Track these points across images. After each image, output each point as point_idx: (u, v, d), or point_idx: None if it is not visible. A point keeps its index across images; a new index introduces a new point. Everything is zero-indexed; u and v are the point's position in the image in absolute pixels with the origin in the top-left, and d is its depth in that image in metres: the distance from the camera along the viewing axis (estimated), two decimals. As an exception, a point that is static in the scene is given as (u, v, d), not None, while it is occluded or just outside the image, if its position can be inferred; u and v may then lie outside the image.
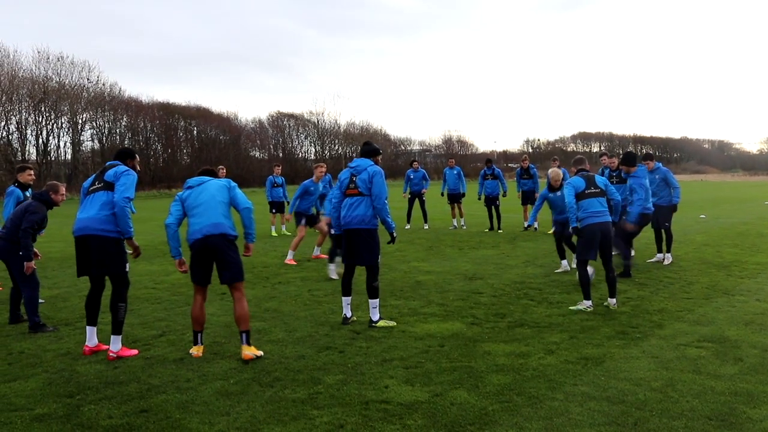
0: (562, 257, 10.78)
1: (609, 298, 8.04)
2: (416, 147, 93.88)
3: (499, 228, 17.65)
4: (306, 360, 5.99)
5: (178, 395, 5.14)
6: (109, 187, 6.32)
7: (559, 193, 10.40)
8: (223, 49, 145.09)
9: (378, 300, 7.34)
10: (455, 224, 18.95)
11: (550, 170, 10.98)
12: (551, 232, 16.28)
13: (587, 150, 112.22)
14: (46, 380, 5.64)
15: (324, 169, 12.77)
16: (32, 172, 9.87)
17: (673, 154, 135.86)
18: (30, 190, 9.61)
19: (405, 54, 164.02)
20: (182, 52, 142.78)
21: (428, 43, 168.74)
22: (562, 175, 10.73)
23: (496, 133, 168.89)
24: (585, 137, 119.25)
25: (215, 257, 6.23)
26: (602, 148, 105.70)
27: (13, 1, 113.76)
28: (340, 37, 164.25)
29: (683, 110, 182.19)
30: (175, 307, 8.46)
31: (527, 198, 18.14)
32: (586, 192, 8.02)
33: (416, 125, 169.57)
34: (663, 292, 8.83)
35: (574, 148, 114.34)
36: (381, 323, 7.24)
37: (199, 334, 6.38)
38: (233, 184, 6.53)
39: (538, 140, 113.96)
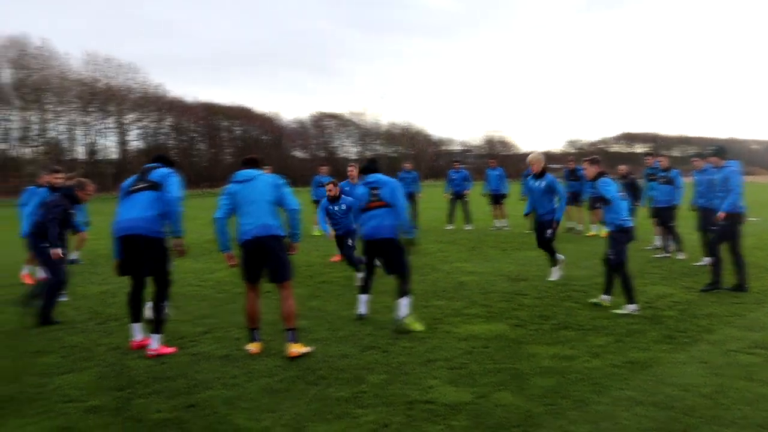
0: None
1: (603, 295, 8.22)
2: (457, 147, 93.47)
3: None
4: (350, 359, 6.03)
5: (224, 391, 5.23)
6: (155, 187, 6.39)
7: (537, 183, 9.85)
8: (265, 51, 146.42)
9: (409, 298, 7.42)
10: (497, 225, 18.86)
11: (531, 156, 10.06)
12: (595, 233, 16.11)
13: (631, 151, 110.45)
14: (98, 373, 5.79)
15: (355, 170, 12.82)
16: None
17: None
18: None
19: (446, 54, 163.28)
20: (225, 54, 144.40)
21: (470, 43, 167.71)
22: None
23: (537, 133, 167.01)
24: (629, 138, 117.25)
25: (265, 257, 6.34)
26: (647, 149, 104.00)
27: (64, 5, 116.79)
28: (382, 38, 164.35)
29: (731, 110, 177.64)
30: (221, 305, 8.59)
31: (573, 199, 17.93)
32: (620, 194, 8.16)
33: (457, 125, 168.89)
34: (711, 296, 8.65)
35: (618, 149, 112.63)
36: (408, 320, 7.20)
37: (255, 331, 6.45)
38: (282, 181, 6.58)
39: (581, 141, 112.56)
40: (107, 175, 59.35)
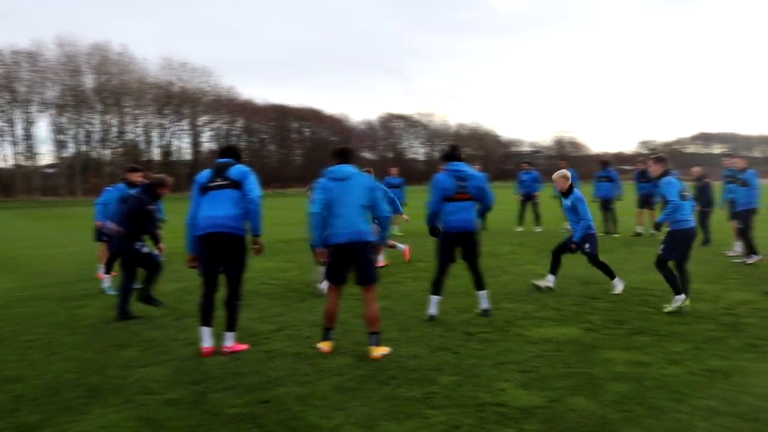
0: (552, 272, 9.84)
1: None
2: (526, 148, 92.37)
3: (615, 232, 17.06)
4: (420, 359, 6.04)
5: (296, 388, 5.31)
6: (236, 185, 6.47)
7: (566, 201, 9.55)
8: (334, 52, 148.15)
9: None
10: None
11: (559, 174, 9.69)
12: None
13: (708, 152, 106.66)
14: (175, 368, 5.97)
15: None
16: (140, 173, 10.09)
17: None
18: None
19: (515, 54, 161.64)
20: (295, 56, 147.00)
21: (539, 42, 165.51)
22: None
23: (609, 134, 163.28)
24: (705, 138, 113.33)
25: (354, 261, 6.38)
26: (724, 149, 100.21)
27: (141, 12, 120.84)
28: (450, 39, 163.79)
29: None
30: (292, 303, 8.73)
31: (645, 201, 17.45)
32: (683, 194, 8.03)
33: (527, 126, 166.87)
34: (797, 304, 8.28)
35: (694, 150, 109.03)
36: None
37: (330, 331, 6.51)
38: (376, 185, 6.60)
39: (654, 141, 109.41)
40: (181, 175, 60.99)
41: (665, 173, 8.24)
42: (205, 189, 6.54)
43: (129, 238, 8.14)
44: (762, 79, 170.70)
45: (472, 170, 7.73)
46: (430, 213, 7.72)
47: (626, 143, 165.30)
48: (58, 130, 62.49)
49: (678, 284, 8.00)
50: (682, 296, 7.92)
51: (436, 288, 7.75)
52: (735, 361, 5.85)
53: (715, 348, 6.30)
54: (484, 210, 7.86)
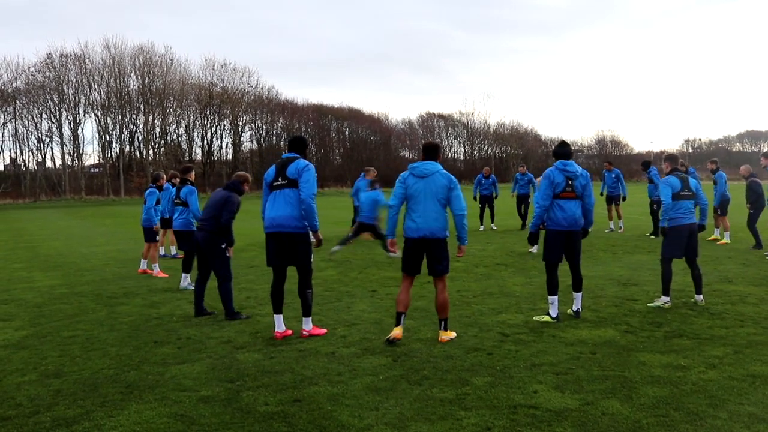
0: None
1: (696, 295, 8.37)
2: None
3: (654, 234, 16.75)
4: (454, 360, 6.01)
5: (329, 387, 5.33)
6: (293, 184, 6.82)
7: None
8: (373, 52, 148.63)
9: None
10: (612, 226, 18.49)
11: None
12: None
13: (755, 150, 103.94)
14: (210, 365, 6.04)
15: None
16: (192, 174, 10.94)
17: None
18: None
19: (555, 52, 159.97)
20: (335, 55, 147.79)
21: (579, 40, 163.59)
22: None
23: (652, 133, 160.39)
24: (753, 136, 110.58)
25: (428, 253, 6.77)
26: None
27: (184, 13, 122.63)
28: (490, 37, 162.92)
29: None
30: (327, 303, 8.76)
31: None
32: (681, 194, 8.20)
33: (568, 125, 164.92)
34: None
35: (740, 148, 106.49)
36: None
37: (402, 315, 6.80)
38: (455, 183, 6.79)
39: (699, 140, 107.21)
40: (222, 174, 61.82)
41: (672, 171, 8.39)
42: (271, 187, 7.01)
43: (220, 236, 8.11)
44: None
45: (582, 170, 7.73)
46: (540, 211, 7.70)
47: (670, 141, 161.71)
48: (104, 130, 63.82)
49: (669, 286, 8.26)
50: (667, 299, 8.22)
51: (554, 287, 7.71)
52: (777, 366, 5.69)
53: (758, 353, 6.13)
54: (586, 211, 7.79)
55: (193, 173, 10.93)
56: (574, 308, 7.80)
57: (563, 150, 7.73)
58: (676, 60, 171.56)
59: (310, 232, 6.94)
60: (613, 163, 21.47)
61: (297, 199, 6.78)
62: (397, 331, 6.69)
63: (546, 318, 7.58)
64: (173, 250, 14.64)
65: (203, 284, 8.30)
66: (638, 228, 18.15)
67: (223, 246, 8.10)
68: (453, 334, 6.81)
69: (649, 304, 8.27)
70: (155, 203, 12.13)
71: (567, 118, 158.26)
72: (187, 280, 10.23)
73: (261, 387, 5.38)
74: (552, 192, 7.53)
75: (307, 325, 7.03)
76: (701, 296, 8.33)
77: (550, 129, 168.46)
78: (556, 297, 7.64)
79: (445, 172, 6.84)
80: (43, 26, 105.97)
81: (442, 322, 6.79)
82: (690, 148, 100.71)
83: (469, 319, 7.68)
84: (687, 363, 5.83)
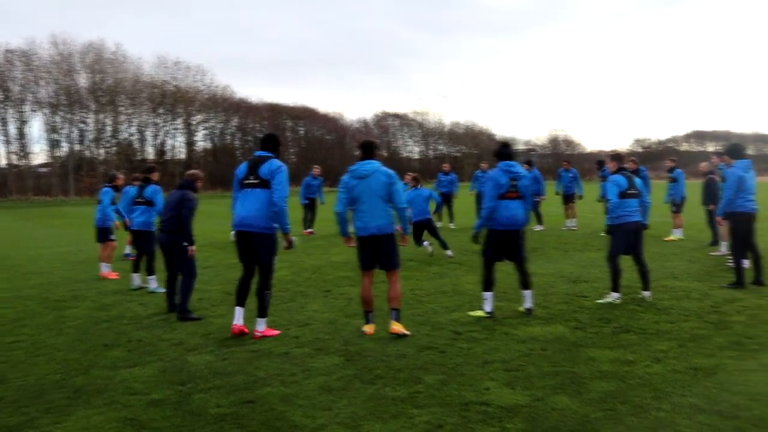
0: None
1: (643, 291, 8.59)
2: (521, 146, 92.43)
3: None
4: (407, 359, 6.05)
5: (282, 388, 5.31)
6: (265, 184, 6.83)
7: None
8: (328, 51, 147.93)
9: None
10: (568, 225, 18.81)
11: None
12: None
13: (701, 150, 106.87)
14: (161, 368, 5.96)
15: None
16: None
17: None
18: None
19: (509, 53, 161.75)
20: (290, 55, 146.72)
21: (532, 42, 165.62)
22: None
23: (604, 132, 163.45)
24: (699, 136, 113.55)
25: (378, 249, 6.97)
26: (718, 147, 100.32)
27: (137, 11, 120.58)
28: (444, 38, 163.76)
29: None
30: (280, 303, 8.72)
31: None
32: (628, 192, 8.40)
33: (521, 125, 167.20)
34: (784, 302, 8.31)
35: (688, 148, 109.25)
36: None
37: (370, 314, 7.06)
38: (395, 179, 6.98)
39: (649, 139, 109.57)
40: (175, 174, 60.86)
41: (618, 171, 8.62)
42: (241, 185, 7.04)
43: (182, 236, 8.10)
44: (756, 77, 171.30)
45: (524, 170, 7.95)
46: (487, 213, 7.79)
47: (621, 141, 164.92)
48: (52, 129, 62.24)
49: (618, 283, 8.47)
50: (618, 295, 8.45)
51: (491, 284, 7.87)
52: (719, 359, 5.87)
53: (700, 346, 6.32)
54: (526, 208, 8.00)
55: (157, 174, 10.87)
56: (526, 306, 7.90)
57: (506, 150, 7.89)
58: (626, 61, 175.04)
59: (281, 233, 7.03)
60: (571, 162, 21.78)
61: (267, 200, 6.82)
62: (369, 328, 6.98)
63: (480, 313, 7.76)
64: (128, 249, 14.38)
65: (174, 283, 8.34)
66: (590, 226, 18.48)
67: (185, 245, 8.08)
68: (405, 331, 6.87)
69: (598, 301, 8.45)
70: (110, 203, 11.94)
71: (521, 118, 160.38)
72: (155, 283, 10.09)
73: (213, 389, 5.34)
74: (497, 193, 7.65)
75: (261, 326, 7.00)
76: (649, 292, 8.55)
77: (505, 129, 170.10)
78: (491, 293, 7.81)
79: (385, 168, 6.99)
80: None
81: (394, 312, 6.93)
82: (640, 147, 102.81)
83: (422, 317, 7.73)
84: (634, 357, 5.97)
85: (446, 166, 21.42)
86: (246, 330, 7.03)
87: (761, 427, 4.37)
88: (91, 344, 6.89)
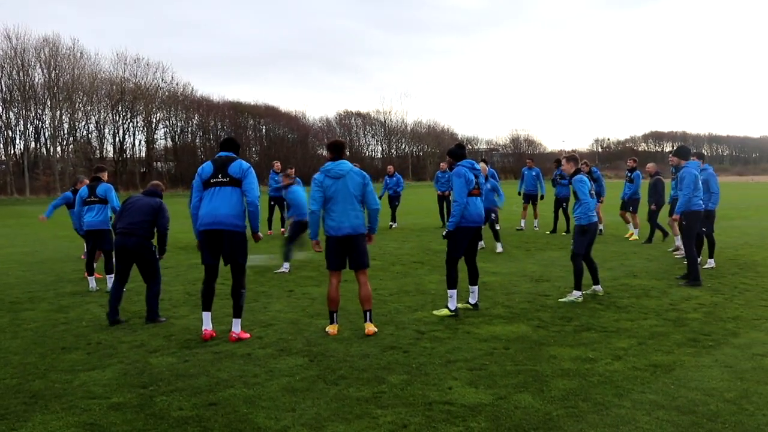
0: None
1: (594, 286, 8.95)
2: (483, 146, 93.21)
3: (568, 230, 17.24)
4: (370, 359, 6.05)
5: (245, 390, 5.27)
6: (236, 183, 6.82)
7: None
8: (290, 49, 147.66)
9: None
10: (523, 225, 18.70)
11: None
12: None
13: (659, 150, 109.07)
14: (122, 371, 5.86)
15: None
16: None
17: (751, 154, 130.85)
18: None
19: (471, 53, 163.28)
20: (251, 52, 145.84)
21: (493, 41, 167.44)
22: None
23: (564, 132, 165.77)
24: (657, 137, 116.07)
25: (349, 249, 7.01)
26: (674, 147, 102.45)
27: (95, 7, 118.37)
28: (406, 37, 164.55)
29: (763, 108, 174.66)
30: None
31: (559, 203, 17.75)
32: (591, 192, 8.65)
33: (483, 124, 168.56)
34: (738, 299, 8.52)
35: (646, 148, 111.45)
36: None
37: (335, 314, 7.10)
38: (368, 179, 7.11)
39: (608, 140, 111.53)
40: (135, 173, 60.00)
41: (576, 172, 8.78)
42: (207, 184, 6.92)
43: (146, 239, 7.97)
44: (711, 80, 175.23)
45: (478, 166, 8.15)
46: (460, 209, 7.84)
47: (581, 141, 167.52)
48: (5, 125, 60.78)
49: (581, 281, 8.62)
50: (579, 293, 8.60)
51: (455, 281, 7.93)
52: (677, 356, 6.00)
53: (660, 343, 6.44)
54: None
55: (106, 173, 10.78)
56: (472, 301, 8.14)
57: (462, 151, 8.07)
58: (585, 62, 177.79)
59: (251, 232, 7.12)
60: (534, 160, 21.74)
61: (238, 199, 6.83)
62: (333, 329, 7.00)
63: (445, 311, 7.82)
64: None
65: (121, 289, 8.04)
66: (550, 226, 18.68)
67: (154, 249, 8.02)
68: (375, 329, 6.99)
69: (561, 300, 8.57)
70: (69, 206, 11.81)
71: (482, 118, 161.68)
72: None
73: (175, 391, 5.27)
74: (468, 190, 7.74)
75: (237, 327, 6.90)
76: (599, 286, 8.96)
77: (467, 128, 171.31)
78: (455, 291, 7.87)
79: (357, 169, 7.11)
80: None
81: (368, 314, 7.05)
82: (599, 147, 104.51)
83: (386, 317, 7.74)
84: (595, 355, 6.06)
85: (390, 169, 21.58)
86: (215, 334, 6.97)
87: (716, 422, 4.47)
88: (49, 347, 6.73)
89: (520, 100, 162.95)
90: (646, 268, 11.28)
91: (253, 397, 5.09)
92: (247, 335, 6.95)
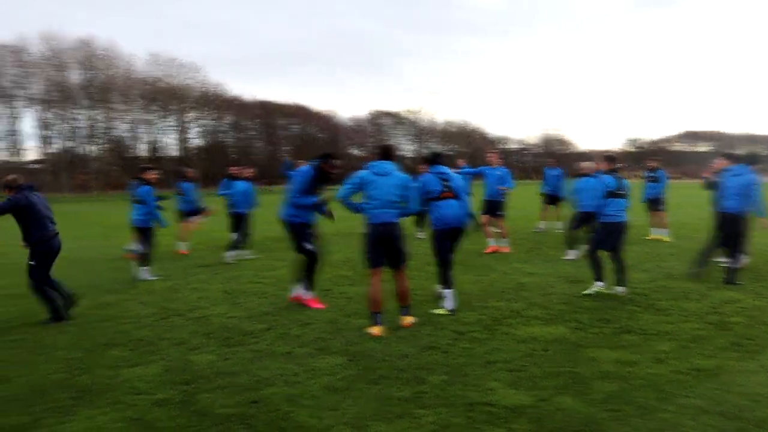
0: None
1: (617, 287, 8.93)
2: (514, 146, 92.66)
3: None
4: (410, 359, 6.06)
5: (286, 388, 5.31)
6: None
7: None
8: (322, 49, 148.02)
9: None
10: (542, 227, 18.29)
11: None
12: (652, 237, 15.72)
13: (693, 150, 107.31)
14: (164, 367, 5.95)
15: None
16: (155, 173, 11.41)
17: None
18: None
19: (503, 53, 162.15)
20: (283, 53, 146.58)
21: (526, 41, 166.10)
22: None
23: (596, 132, 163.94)
24: (691, 136, 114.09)
25: (389, 246, 7.16)
26: (709, 147, 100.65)
27: (129, 9, 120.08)
28: (437, 38, 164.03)
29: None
30: (280, 302, 8.71)
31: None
32: (616, 192, 8.78)
33: (514, 124, 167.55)
34: (781, 302, 8.36)
35: (680, 148, 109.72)
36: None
37: (379, 315, 7.11)
38: (411, 183, 7.38)
39: (641, 139, 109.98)
40: (168, 171, 60.51)
41: (609, 171, 8.98)
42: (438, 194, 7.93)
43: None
44: (748, 78, 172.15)
45: (452, 173, 8.40)
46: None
47: (613, 141, 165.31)
48: (44, 125, 61.97)
49: (600, 273, 8.93)
50: (602, 284, 8.93)
51: (450, 281, 8.16)
52: (721, 360, 5.91)
53: (702, 347, 6.35)
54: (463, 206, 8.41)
55: (152, 174, 11.19)
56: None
57: (435, 158, 8.40)
58: (619, 61, 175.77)
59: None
60: (558, 160, 21.31)
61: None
62: (376, 330, 7.00)
63: (442, 311, 7.98)
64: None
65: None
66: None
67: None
68: (414, 319, 7.38)
69: (584, 292, 8.88)
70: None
71: (513, 117, 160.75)
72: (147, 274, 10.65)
73: (217, 389, 5.34)
74: (428, 195, 8.06)
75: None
76: (623, 288, 8.93)
77: (497, 128, 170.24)
78: (452, 291, 8.10)
79: (401, 172, 7.34)
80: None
81: (404, 309, 7.36)
82: (633, 147, 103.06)
83: (423, 317, 7.74)
84: (636, 358, 6.00)
85: (421, 169, 21.26)
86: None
87: (764, 428, 4.41)
88: (93, 343, 6.86)
89: (553, 99, 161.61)
90: (684, 269, 11.11)
91: (294, 396, 5.13)
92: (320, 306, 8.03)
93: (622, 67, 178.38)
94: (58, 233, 8.12)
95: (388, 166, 7.22)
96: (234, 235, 13.16)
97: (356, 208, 7.33)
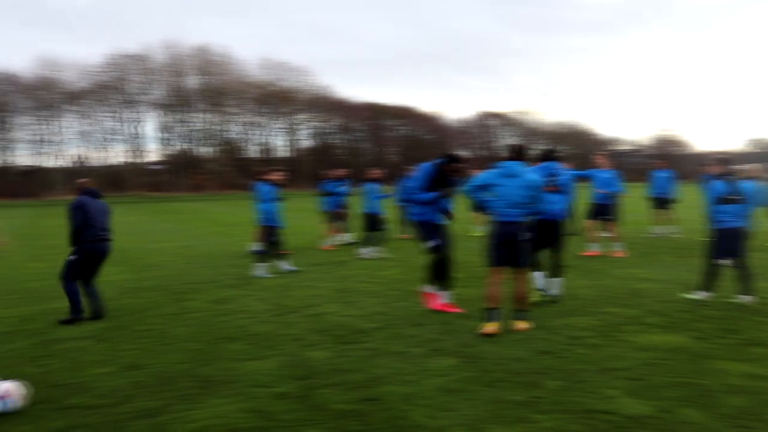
0: None
1: (741, 296, 8.48)
2: (626, 147, 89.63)
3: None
4: (525, 363, 5.98)
5: (401, 387, 5.36)
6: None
7: None
8: (428, 51, 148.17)
9: None
10: (657, 231, 17.52)
11: None
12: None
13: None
14: (281, 362, 6.14)
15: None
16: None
17: None
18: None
19: (613, 52, 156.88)
20: (390, 55, 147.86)
21: (636, 40, 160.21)
22: None
23: (714, 132, 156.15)
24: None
25: (513, 246, 7.16)
26: None
27: (242, 15, 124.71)
28: (544, 37, 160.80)
29: None
30: (393, 302, 8.80)
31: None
32: (726, 198, 8.30)
33: (627, 125, 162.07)
34: None
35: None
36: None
37: (495, 311, 7.12)
38: (540, 184, 7.32)
39: (765, 139, 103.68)
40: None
41: (720, 175, 8.53)
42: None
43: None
44: None
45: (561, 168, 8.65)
46: None
47: (733, 141, 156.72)
48: (164, 128, 65.32)
49: (707, 282, 8.58)
50: (707, 294, 8.59)
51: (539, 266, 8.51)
52: None
53: (840, 362, 5.93)
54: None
55: (275, 174, 11.85)
56: (550, 292, 8.59)
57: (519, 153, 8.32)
58: (739, 57, 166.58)
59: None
60: (668, 161, 20.13)
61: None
62: (491, 327, 7.01)
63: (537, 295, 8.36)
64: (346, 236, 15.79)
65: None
66: (696, 231, 17.62)
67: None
68: (527, 325, 7.23)
69: (686, 295, 8.71)
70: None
71: (625, 118, 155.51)
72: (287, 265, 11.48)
73: (333, 385, 5.45)
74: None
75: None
76: (750, 297, 8.43)
77: (609, 128, 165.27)
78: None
79: (532, 174, 7.37)
80: (104, 29, 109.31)
81: (519, 314, 7.29)
82: (756, 148, 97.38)
83: (535, 321, 7.61)
84: (766, 372, 5.67)
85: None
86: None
87: None
88: (213, 336, 7.17)
89: (667, 99, 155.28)
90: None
91: (410, 395, 5.17)
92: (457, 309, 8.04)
93: (743, 64, 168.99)
94: (108, 239, 8.31)
95: (517, 167, 7.18)
96: (367, 234, 13.98)
97: (482, 204, 7.37)
